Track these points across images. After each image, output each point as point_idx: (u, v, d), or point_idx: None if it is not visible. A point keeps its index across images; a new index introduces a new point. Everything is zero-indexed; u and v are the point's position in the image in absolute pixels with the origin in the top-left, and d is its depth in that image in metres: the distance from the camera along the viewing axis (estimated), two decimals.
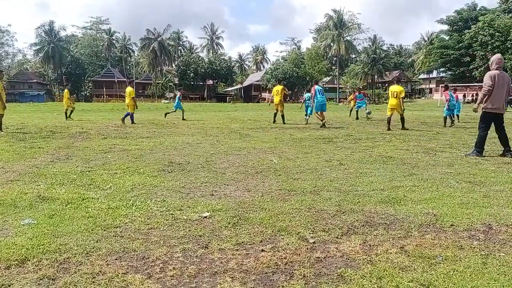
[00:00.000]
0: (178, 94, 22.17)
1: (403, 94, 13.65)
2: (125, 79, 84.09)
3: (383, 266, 2.72)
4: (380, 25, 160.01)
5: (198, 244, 3.13)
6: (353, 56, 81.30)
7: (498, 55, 7.70)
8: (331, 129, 13.74)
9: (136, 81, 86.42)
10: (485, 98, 7.45)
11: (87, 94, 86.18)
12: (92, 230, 3.37)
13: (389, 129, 13.33)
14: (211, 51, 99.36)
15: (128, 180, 5.37)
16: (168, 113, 20.62)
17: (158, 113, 27.06)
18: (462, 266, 2.70)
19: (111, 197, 4.43)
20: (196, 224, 3.61)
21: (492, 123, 7.64)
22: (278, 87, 16.86)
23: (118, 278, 2.54)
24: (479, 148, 7.59)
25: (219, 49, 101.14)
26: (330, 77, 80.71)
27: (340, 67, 76.35)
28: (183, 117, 19.55)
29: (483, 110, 7.61)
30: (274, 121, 16.92)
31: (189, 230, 3.44)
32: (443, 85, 18.81)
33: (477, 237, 3.26)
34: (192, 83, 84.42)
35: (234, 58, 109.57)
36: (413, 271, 2.65)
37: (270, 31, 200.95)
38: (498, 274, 2.57)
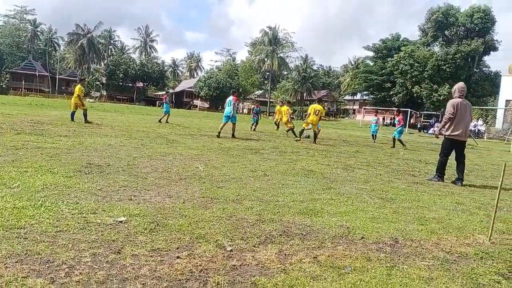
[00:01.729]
0: (165, 96, 21.81)
1: (323, 113, 15.45)
2: (47, 73, 78.92)
3: (296, 275, 2.79)
4: (313, 46, 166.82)
5: (110, 249, 2.98)
6: (285, 72, 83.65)
7: (461, 84, 7.82)
8: (259, 141, 13.95)
9: (59, 76, 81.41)
10: (447, 125, 7.59)
11: (4, 86, 79.22)
12: None
13: (299, 138, 15.20)
14: (143, 53, 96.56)
15: (39, 179, 5.00)
16: (161, 119, 20.39)
17: (81, 111, 25.62)
18: (368, 277, 2.85)
19: (18, 196, 4.09)
20: (110, 228, 3.44)
21: (454, 150, 7.77)
22: (284, 108, 17.71)
23: (16, 282, 2.34)
24: (440, 173, 7.71)
25: (152, 52, 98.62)
26: (262, 91, 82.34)
27: (272, 82, 78.19)
28: (161, 119, 20.05)
29: (445, 136, 7.73)
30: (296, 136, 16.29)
31: (101, 235, 3.27)
32: (396, 109, 20.07)
33: (384, 250, 3.47)
34: (121, 84, 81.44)
35: (168, 62, 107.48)
36: (323, 280, 2.74)
37: (207, 40, 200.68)
38: (400, 285, 2.75)
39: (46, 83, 79.43)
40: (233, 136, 14.25)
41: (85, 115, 15.84)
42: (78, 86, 16.57)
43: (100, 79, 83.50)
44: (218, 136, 13.72)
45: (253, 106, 26.21)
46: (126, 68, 78.73)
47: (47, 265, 2.62)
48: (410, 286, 2.74)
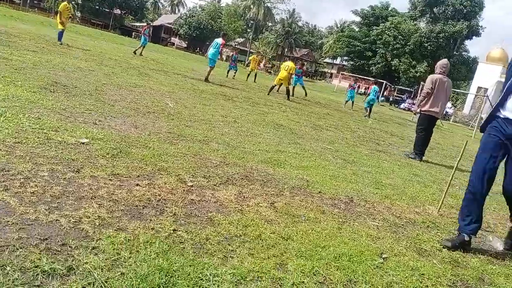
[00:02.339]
0: (144, 28, 20.49)
1: (293, 71, 15.60)
2: None
3: (251, 216, 2.86)
4: (301, 1, 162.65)
5: (69, 168, 2.93)
6: (270, 24, 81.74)
7: (444, 60, 7.67)
8: (233, 89, 13.79)
9: None
10: (424, 101, 7.46)
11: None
12: None
13: (268, 94, 14.76)
14: None
15: (1, 89, 4.77)
16: (135, 50, 19.48)
17: (52, 29, 24.29)
18: (320, 228, 2.96)
19: None
20: (71, 148, 3.37)
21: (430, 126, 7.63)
22: (291, 65, 15.54)
23: None
24: (418, 151, 7.51)
25: None
26: (244, 39, 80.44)
27: (255, 31, 76.39)
28: (136, 51, 19.29)
29: (421, 111, 7.61)
30: (269, 94, 15.06)
31: (61, 152, 3.20)
32: (373, 80, 20.08)
33: (339, 206, 3.60)
34: (97, 7, 77.17)
35: None
36: (277, 224, 2.83)
37: None
38: (348, 239, 2.88)
39: None
40: (206, 79, 13.68)
41: (60, 33, 14.74)
42: (64, 3, 15.39)
43: None
44: (206, 80, 13.44)
45: (232, 53, 25.52)
46: None
47: (2, 173, 2.56)
48: (357, 241, 2.87)
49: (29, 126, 3.64)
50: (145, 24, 25.58)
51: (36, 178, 2.62)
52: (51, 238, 1.99)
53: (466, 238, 3.17)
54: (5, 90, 4.82)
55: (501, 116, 3.19)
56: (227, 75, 19.86)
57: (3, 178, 2.50)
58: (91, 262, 1.88)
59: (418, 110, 7.82)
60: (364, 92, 51.31)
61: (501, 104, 3.21)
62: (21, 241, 1.91)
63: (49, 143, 3.35)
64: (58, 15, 15.13)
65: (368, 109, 16.93)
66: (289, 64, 15.45)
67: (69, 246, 1.96)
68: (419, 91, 30.01)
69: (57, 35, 14.73)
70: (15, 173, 2.60)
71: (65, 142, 3.47)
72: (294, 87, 18.28)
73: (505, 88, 3.20)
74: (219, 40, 14.36)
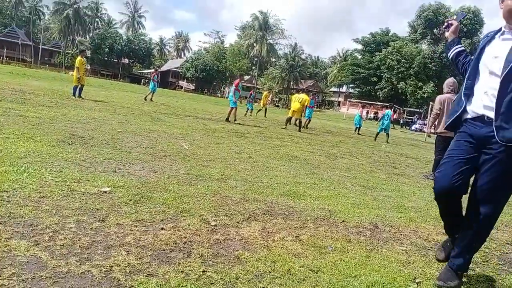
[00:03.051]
0: (153, 74, 21.27)
1: (307, 103, 15.62)
2: (30, 43, 76.69)
3: (278, 251, 2.84)
4: (302, 34, 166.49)
5: (95, 217, 2.98)
6: (273, 59, 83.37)
7: (450, 79, 7.63)
8: (244, 126, 13.95)
9: (43, 47, 79.18)
10: (436, 122, 7.39)
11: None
12: None
13: (285, 127, 14.98)
14: (131, 29, 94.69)
15: (22, 146, 4.91)
16: (146, 97, 20.29)
17: (64, 84, 25.12)
18: (348, 257, 2.92)
19: (0, 161, 4.02)
20: (94, 197, 3.43)
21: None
22: (305, 97, 15.59)
23: (0, 243, 2.32)
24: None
25: (140, 29, 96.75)
26: (249, 76, 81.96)
27: (259, 68, 77.89)
28: (146, 97, 20.02)
29: (437, 133, 7.53)
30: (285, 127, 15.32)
31: (85, 203, 3.25)
32: (388, 104, 19.81)
33: (364, 234, 3.56)
34: (106, 59, 79.85)
35: (155, 40, 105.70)
36: (305, 258, 2.80)
37: (196, 20, 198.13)
38: (379, 266, 2.83)
39: (29, 52, 77.18)
40: (227, 119, 14.22)
41: (80, 89, 14.77)
42: (79, 58, 15.63)
43: (82, 49, 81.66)
44: (227, 120, 14.07)
45: (250, 91, 25.89)
46: (112, 43, 77.12)
47: (31, 228, 2.61)
48: (388, 268, 2.82)
49: (52, 180, 3.72)
50: (153, 70, 26.23)
51: (64, 230, 2.66)
52: None
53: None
54: (25, 146, 4.96)
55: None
56: (245, 114, 20.08)
57: (33, 233, 2.54)
58: None
59: (429, 132, 7.84)
60: (374, 117, 51.31)
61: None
62: None
63: (73, 194, 3.41)
64: (75, 70, 15.18)
65: (386, 134, 16.68)
66: (302, 96, 15.47)
67: None
68: (429, 112, 29.95)
69: (72, 90, 15.00)
70: (43, 227, 2.64)
71: (88, 192, 3.54)
72: (310, 120, 18.30)
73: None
74: (235, 82, 15.16)
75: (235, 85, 14.88)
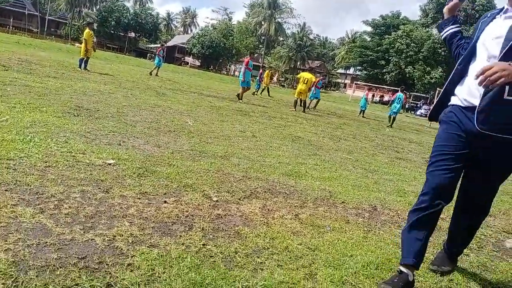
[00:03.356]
0: (159, 49, 21.05)
1: (310, 85, 15.05)
2: (36, 13, 76.02)
3: (277, 229, 2.90)
4: (311, 14, 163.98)
5: (99, 188, 3.04)
6: (281, 39, 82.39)
7: None
8: (248, 104, 13.92)
9: (49, 17, 78.45)
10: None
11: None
12: None
13: (294, 109, 14.69)
14: (138, 3, 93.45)
15: (28, 116, 4.96)
16: (151, 71, 20.07)
17: (70, 55, 25.04)
18: (346, 237, 2.98)
19: (6, 129, 4.07)
20: (99, 169, 3.49)
21: None
22: (309, 77, 15.09)
23: (6, 209, 2.38)
24: None
25: (147, 3, 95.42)
26: (256, 55, 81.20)
27: (267, 47, 77.08)
28: (152, 72, 19.74)
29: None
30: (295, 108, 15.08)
31: (90, 174, 3.31)
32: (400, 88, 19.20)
33: (363, 215, 3.61)
34: (113, 32, 79.18)
35: (162, 15, 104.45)
36: (303, 236, 2.86)
37: None
38: (375, 247, 2.89)
39: (35, 23, 76.55)
40: (239, 97, 14.21)
41: (85, 61, 14.52)
42: (87, 30, 15.40)
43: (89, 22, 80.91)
44: (239, 98, 14.00)
45: (259, 71, 25.61)
46: (119, 16, 76.32)
47: (37, 196, 2.67)
48: (384, 249, 2.88)
49: (58, 150, 3.77)
50: (159, 45, 25.99)
51: (69, 199, 2.72)
52: (88, 257, 2.07)
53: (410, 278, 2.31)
54: (31, 116, 5.00)
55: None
56: (254, 93, 20.17)
57: (38, 201, 2.60)
58: (127, 278, 1.94)
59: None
60: (380, 100, 50.92)
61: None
62: (61, 261, 1.99)
63: (78, 165, 3.47)
64: (84, 42, 14.99)
65: (393, 118, 16.52)
66: (307, 76, 14.97)
67: (106, 264, 2.03)
68: (435, 97, 29.78)
69: (78, 61, 14.91)
70: (48, 196, 2.71)
71: (93, 164, 3.59)
72: (318, 100, 18.26)
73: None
74: (245, 60, 14.84)
75: (245, 63, 14.55)
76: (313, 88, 16.63)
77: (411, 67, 52.66)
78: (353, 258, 2.61)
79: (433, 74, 50.59)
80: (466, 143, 2.26)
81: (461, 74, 2.34)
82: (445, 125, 2.38)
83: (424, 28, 56.35)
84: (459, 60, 2.38)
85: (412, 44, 52.48)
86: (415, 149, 9.61)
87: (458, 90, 2.34)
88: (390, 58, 55.20)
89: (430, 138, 14.12)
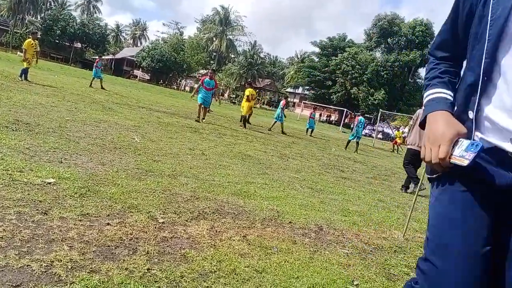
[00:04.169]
0: (97, 60, 20.08)
1: (246, 97, 15.41)
2: None
3: (225, 251, 2.88)
4: (262, 33, 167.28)
5: (37, 209, 2.87)
6: (232, 55, 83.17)
7: None
8: (199, 121, 13.84)
9: None
10: (408, 135, 7.65)
11: None
12: None
13: (245, 127, 14.90)
14: (86, 13, 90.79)
15: None
16: (91, 83, 19.29)
17: (10, 64, 23.73)
18: (293, 258, 3.02)
19: None
20: (38, 189, 3.30)
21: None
22: (247, 92, 15.61)
23: None
24: (414, 181, 7.64)
25: (95, 13, 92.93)
26: (207, 70, 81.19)
27: (218, 63, 77.43)
28: (91, 83, 19.07)
29: (408, 146, 7.80)
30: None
31: (28, 194, 3.13)
32: (358, 113, 18.07)
33: (309, 235, 3.68)
34: (58, 41, 76.08)
35: (111, 26, 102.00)
36: (251, 258, 2.86)
37: (156, 9, 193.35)
38: (320, 268, 2.95)
39: None
40: (202, 119, 13.33)
41: (23, 70, 13.75)
42: (28, 40, 14.63)
43: (33, 30, 77.42)
44: (197, 121, 12.78)
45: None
46: (64, 26, 73.53)
47: None
48: (329, 270, 2.94)
49: None
50: (97, 56, 25.17)
51: (3, 221, 2.55)
52: (23, 285, 1.94)
53: None
54: None
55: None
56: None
57: None
58: None
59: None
60: (327, 120, 52.49)
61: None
62: None
63: (15, 184, 3.27)
64: (23, 52, 14.36)
65: (356, 142, 16.06)
66: (246, 92, 15.51)
67: None
68: (378, 118, 31.16)
69: (19, 71, 14.12)
70: None
71: (31, 183, 3.40)
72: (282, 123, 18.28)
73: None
74: (202, 78, 14.07)
75: (200, 82, 13.78)
76: (280, 111, 17.11)
77: (356, 88, 54.94)
78: (300, 279, 2.65)
79: (376, 96, 53.04)
80: (492, 214, 1.22)
81: (484, 77, 1.20)
82: (452, 194, 1.27)
83: (368, 51, 59.20)
84: (467, 61, 1.33)
85: (357, 66, 54.89)
86: (359, 169, 9.98)
87: (487, 110, 1.22)
88: (337, 79, 57.32)
89: (373, 158, 14.73)
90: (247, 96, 15.43)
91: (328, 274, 2.85)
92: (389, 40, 58.22)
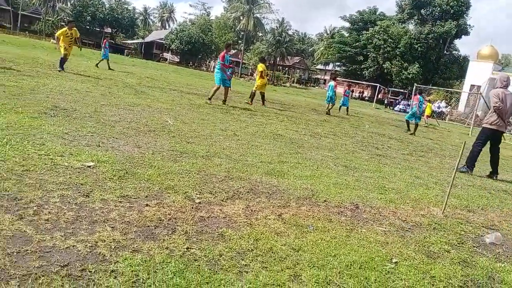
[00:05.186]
0: (105, 41, 20.37)
1: (259, 72, 14.65)
2: (8, 8, 73.80)
3: (261, 229, 2.91)
4: (290, 10, 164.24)
5: (79, 192, 2.98)
6: (260, 34, 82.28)
7: (504, 74, 7.39)
8: (230, 101, 13.87)
9: (22, 12, 76.20)
10: (492, 115, 7.16)
11: None
12: None
13: (263, 104, 14.30)
14: None
15: (3, 117, 4.82)
16: (98, 63, 19.25)
17: (45, 52, 24.44)
18: (329, 236, 3.01)
19: None
20: (78, 172, 3.42)
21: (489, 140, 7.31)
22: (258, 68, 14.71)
23: None
24: (470, 164, 7.21)
25: None
26: (235, 51, 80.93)
27: (246, 42, 76.88)
28: (108, 66, 18.95)
29: (483, 125, 7.39)
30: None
31: (69, 177, 3.24)
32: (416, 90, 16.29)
33: (345, 214, 3.65)
34: (88, 27, 77.55)
35: (139, 10, 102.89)
36: (287, 236, 2.88)
37: None
38: (358, 246, 2.93)
39: (8, 18, 74.24)
40: (224, 101, 11.81)
41: (61, 61, 13.06)
42: (63, 29, 14.07)
43: (65, 19, 79.09)
44: (209, 100, 11.43)
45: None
46: (94, 11, 74.82)
47: (15, 202, 2.60)
48: (367, 248, 2.92)
49: (35, 153, 3.68)
50: (105, 37, 25.38)
51: (48, 205, 2.66)
52: (70, 264, 2.03)
53: None
54: (6, 117, 4.87)
55: None
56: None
57: (17, 207, 2.54)
58: (111, 285, 1.91)
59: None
60: (359, 96, 51.41)
61: None
62: (42, 269, 1.94)
63: (56, 168, 3.39)
64: (56, 40, 14.33)
65: (415, 123, 14.36)
66: (260, 67, 14.67)
67: (89, 271, 2.00)
68: (413, 93, 30.23)
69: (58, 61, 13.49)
70: (27, 201, 2.64)
71: (71, 166, 3.52)
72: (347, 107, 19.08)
73: None
74: (221, 54, 12.18)
75: (220, 58, 12.04)
76: (332, 93, 16.30)
77: (388, 62, 53.31)
78: (337, 258, 2.64)
79: (410, 70, 51.35)
80: None
81: None
82: None
83: (400, 24, 57.07)
84: None
85: (389, 39, 53.09)
86: (395, 145, 9.77)
87: None
88: (368, 53, 55.75)
89: (409, 134, 14.37)
90: (261, 72, 14.45)
91: (366, 252, 2.83)
92: (422, 11, 55.79)
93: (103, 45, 20.26)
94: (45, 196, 2.77)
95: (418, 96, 15.15)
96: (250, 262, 2.39)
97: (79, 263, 2.05)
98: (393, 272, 2.58)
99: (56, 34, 14.29)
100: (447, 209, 4.26)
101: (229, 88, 12.25)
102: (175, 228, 2.70)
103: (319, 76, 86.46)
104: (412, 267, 2.71)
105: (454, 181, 4.20)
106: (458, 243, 3.38)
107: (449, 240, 3.35)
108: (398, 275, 2.55)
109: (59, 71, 12.60)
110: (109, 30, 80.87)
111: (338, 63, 66.03)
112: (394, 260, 2.77)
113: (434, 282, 2.56)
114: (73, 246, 2.21)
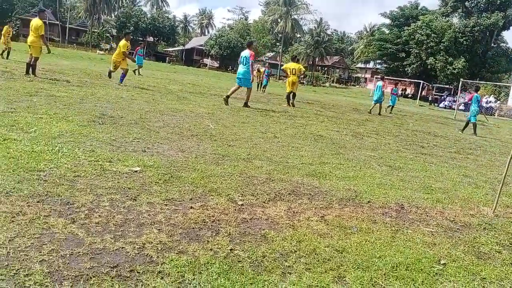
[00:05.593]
0: (137, 48, 21.30)
1: (300, 72, 14.51)
2: (57, 22, 77.83)
3: (303, 231, 2.90)
4: (328, 9, 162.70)
5: (127, 196, 3.10)
6: (298, 35, 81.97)
7: None
8: (268, 104, 13.92)
9: (69, 26, 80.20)
10: None
11: (14, 33, 77.99)
12: (13, 171, 3.19)
13: (289, 105, 13.85)
14: (155, 7, 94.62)
15: (55, 126, 5.09)
16: (135, 70, 19.99)
17: (92, 63, 25.57)
18: (373, 238, 2.95)
19: (35, 141, 4.19)
20: (126, 177, 3.56)
21: None
22: (295, 66, 14.32)
23: (39, 220, 2.46)
24: None
25: (164, 6, 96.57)
26: (274, 53, 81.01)
27: (284, 44, 76.82)
28: (135, 71, 19.61)
29: None
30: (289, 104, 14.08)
31: (117, 182, 3.38)
32: (471, 88, 14.25)
33: (390, 214, 3.57)
34: (132, 37, 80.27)
35: (179, 18, 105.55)
36: (330, 238, 2.85)
37: None
38: (404, 247, 2.86)
39: (56, 31, 78.35)
40: (245, 104, 11.19)
41: (123, 76, 12.66)
42: (123, 41, 13.31)
43: (110, 31, 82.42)
44: (226, 101, 10.94)
45: (263, 68, 25.75)
46: (136, 21, 77.39)
47: (67, 206, 2.75)
48: (413, 249, 2.84)
49: (85, 159, 3.87)
50: (140, 43, 26.19)
51: (98, 208, 2.79)
52: (120, 265, 2.12)
53: None
54: (58, 126, 5.14)
55: None
56: (258, 90, 20.15)
57: (69, 211, 2.68)
58: (158, 286, 1.98)
59: None
60: (402, 94, 50.00)
61: None
62: (93, 270, 2.04)
63: (105, 174, 3.55)
64: (119, 55, 13.11)
65: (473, 124, 13.27)
66: (294, 66, 14.23)
67: (137, 272, 2.08)
68: (459, 89, 29.02)
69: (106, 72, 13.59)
70: (79, 205, 2.78)
71: (119, 172, 3.67)
72: (393, 106, 18.75)
73: None
74: (247, 53, 11.26)
75: (251, 56, 11.19)
76: (380, 93, 16.12)
77: (432, 58, 51.44)
78: (382, 259, 2.59)
79: (455, 65, 49.30)
80: None
81: None
82: None
83: (444, 17, 54.95)
84: None
85: (432, 34, 51.24)
86: (441, 143, 9.42)
87: None
88: (411, 50, 54.05)
89: (457, 131, 13.82)
90: (292, 69, 14.11)
91: (412, 253, 2.76)
92: (466, 3, 53.43)
93: (135, 52, 20.95)
94: (96, 200, 2.91)
95: (475, 94, 13.85)
96: (293, 264, 2.40)
97: (128, 264, 2.14)
98: (441, 274, 2.50)
99: (123, 50, 13.01)
100: (498, 208, 4.07)
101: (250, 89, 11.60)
102: (218, 229, 2.75)
103: (359, 75, 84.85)
104: (461, 268, 2.61)
105: (505, 179, 4.00)
106: (510, 244, 3.21)
107: (500, 241, 3.20)
108: (447, 277, 2.47)
109: (120, 85, 12.11)
110: (151, 39, 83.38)
111: (379, 61, 64.53)
112: (442, 262, 2.68)
113: (484, 284, 2.46)
114: (122, 248, 2.30)
